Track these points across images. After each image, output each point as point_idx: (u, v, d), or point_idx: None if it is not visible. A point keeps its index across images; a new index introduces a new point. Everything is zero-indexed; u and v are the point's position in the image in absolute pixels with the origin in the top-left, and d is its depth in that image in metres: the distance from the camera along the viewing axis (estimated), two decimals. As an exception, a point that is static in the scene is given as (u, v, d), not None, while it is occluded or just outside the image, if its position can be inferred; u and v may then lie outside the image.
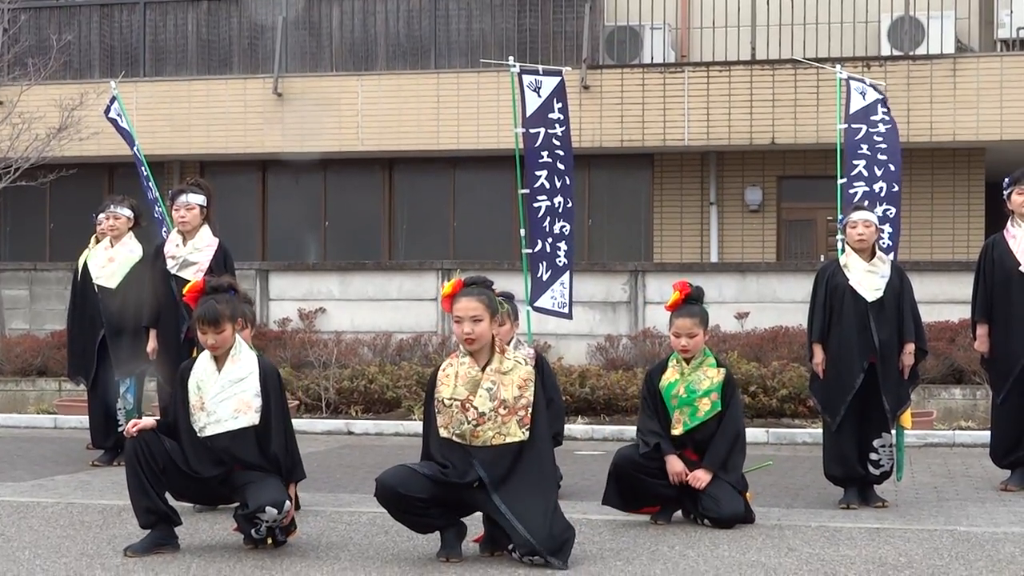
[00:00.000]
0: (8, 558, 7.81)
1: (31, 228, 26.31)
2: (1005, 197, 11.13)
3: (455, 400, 7.79)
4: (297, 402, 16.71)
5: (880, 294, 10.06)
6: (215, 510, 9.22)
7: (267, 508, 7.75)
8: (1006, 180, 11.15)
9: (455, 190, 25.02)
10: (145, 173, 14.64)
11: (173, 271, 11.01)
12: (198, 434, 8.02)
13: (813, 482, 11.10)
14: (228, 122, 24.15)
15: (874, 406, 10.07)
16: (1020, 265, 10.89)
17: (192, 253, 10.98)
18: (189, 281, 10.50)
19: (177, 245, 11.04)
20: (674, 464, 9.10)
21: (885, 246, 12.32)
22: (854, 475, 10.07)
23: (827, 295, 10.19)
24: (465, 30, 24.10)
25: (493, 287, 8.09)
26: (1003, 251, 11.03)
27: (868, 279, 10.08)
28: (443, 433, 7.83)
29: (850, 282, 10.09)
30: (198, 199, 10.96)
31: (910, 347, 10.13)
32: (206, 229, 11.07)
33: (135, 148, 14.64)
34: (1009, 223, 11.09)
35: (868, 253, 10.16)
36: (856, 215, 10.21)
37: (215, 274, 10.44)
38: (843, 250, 10.46)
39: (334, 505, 9.89)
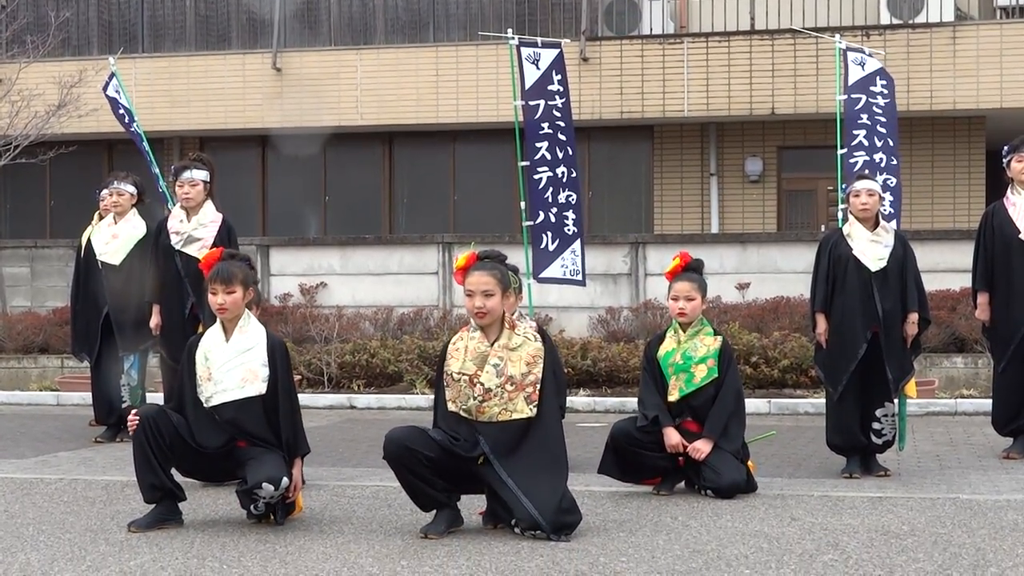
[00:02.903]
0: (12, 534, 7.83)
1: (31, 205, 26.32)
2: (1005, 165, 11.12)
3: (463, 375, 7.79)
4: (299, 377, 16.72)
5: (883, 264, 10.03)
6: (221, 486, 9.23)
7: (264, 484, 7.76)
8: (1005, 148, 11.14)
9: (455, 164, 25.01)
10: (146, 148, 14.60)
11: (177, 247, 10.99)
12: (204, 405, 8.04)
13: (815, 452, 11.12)
14: (227, 98, 24.13)
15: (877, 376, 10.06)
16: (1020, 233, 10.88)
17: (196, 229, 10.95)
18: (193, 257, 10.56)
19: (181, 221, 11.01)
20: (671, 436, 9.11)
21: (887, 214, 12.31)
22: (856, 444, 10.07)
23: (830, 265, 10.18)
24: (464, 3, 24.07)
25: (507, 261, 8.07)
26: (1003, 219, 11.02)
27: (871, 249, 10.05)
28: (451, 407, 7.83)
29: (853, 252, 10.06)
30: (201, 175, 10.92)
31: (913, 316, 10.11)
32: (210, 205, 11.04)
33: (134, 125, 14.61)
34: (1009, 191, 11.09)
35: (871, 222, 10.13)
36: (859, 184, 10.18)
37: None
38: (845, 219, 10.44)
39: (337, 479, 9.90)
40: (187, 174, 10.88)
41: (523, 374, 7.77)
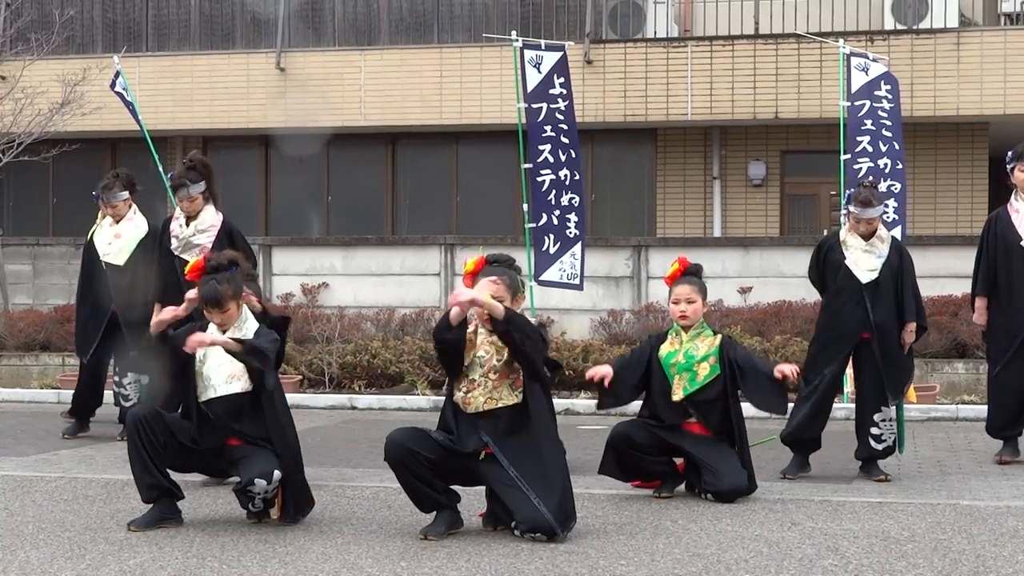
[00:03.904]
0: (12, 532, 7.83)
1: (34, 203, 26.32)
2: (1008, 171, 11.13)
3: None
4: (300, 377, 16.73)
5: (875, 275, 10.05)
6: (221, 484, 9.24)
7: (256, 480, 7.81)
8: (1008, 154, 11.14)
9: (458, 165, 25.00)
10: (150, 147, 14.63)
11: (176, 252, 11.00)
12: (199, 400, 8.10)
13: (816, 456, 11.09)
14: (231, 97, 24.12)
15: (872, 381, 10.09)
16: (1022, 240, 10.89)
17: (195, 235, 10.96)
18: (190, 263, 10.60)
19: (181, 225, 11.03)
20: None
21: (890, 220, 12.33)
22: (804, 440, 10.19)
23: (824, 270, 10.25)
24: (468, 4, 24.06)
25: (515, 265, 8.07)
26: (1006, 225, 11.03)
27: (864, 259, 10.06)
28: (455, 396, 7.88)
29: (846, 261, 10.09)
30: (198, 188, 10.89)
31: (911, 326, 10.15)
32: (209, 209, 11.03)
33: (142, 122, 14.64)
34: (1013, 197, 11.09)
35: (868, 234, 10.14)
36: (861, 212, 10.02)
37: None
38: (843, 224, 10.44)
39: (337, 480, 9.90)
40: (184, 191, 10.88)
41: (507, 363, 7.77)
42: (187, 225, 10.99)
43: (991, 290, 11.11)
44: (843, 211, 10.41)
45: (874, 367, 10.06)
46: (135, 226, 12.31)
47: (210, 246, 10.85)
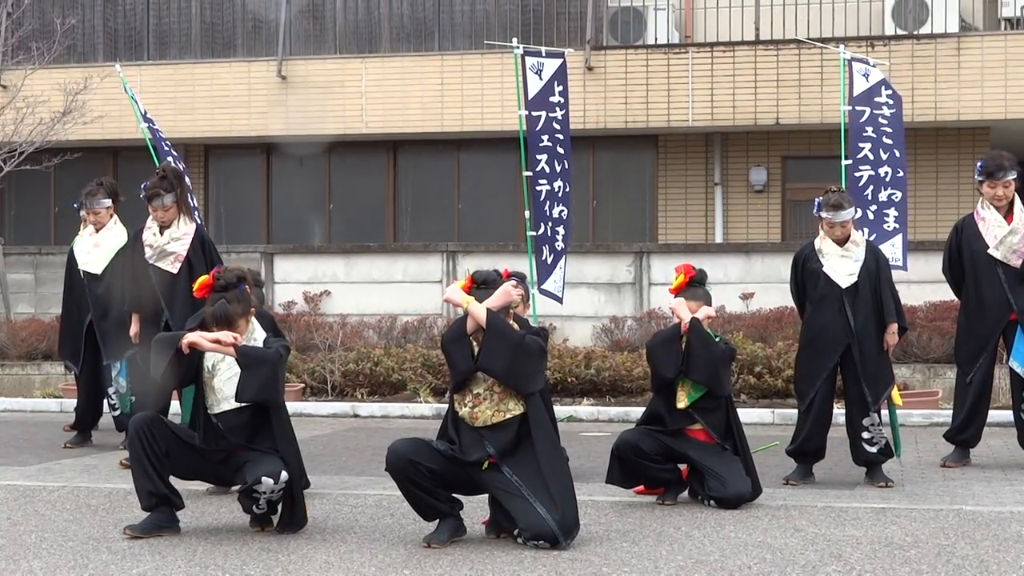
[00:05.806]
0: (15, 542, 7.84)
1: (36, 212, 26.30)
2: (976, 183, 11.13)
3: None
4: (303, 385, 16.73)
5: (854, 279, 10.06)
6: (226, 492, 9.25)
7: (263, 479, 7.82)
8: (979, 165, 11.08)
9: (459, 172, 24.99)
10: (167, 148, 14.67)
11: (151, 261, 11.02)
12: (208, 411, 8.13)
13: (819, 463, 11.10)
14: (232, 105, 24.12)
15: (857, 387, 10.11)
16: (988, 248, 10.92)
17: (169, 243, 10.99)
18: (166, 271, 10.72)
19: (154, 234, 11.06)
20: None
21: (891, 229, 12.31)
22: (808, 451, 10.22)
23: (803, 281, 10.27)
24: (469, 11, 24.05)
25: (502, 277, 8.05)
26: (972, 233, 11.10)
27: (842, 264, 10.08)
28: (460, 411, 7.87)
29: (824, 268, 10.10)
30: (172, 197, 10.96)
31: (893, 327, 10.17)
32: (182, 217, 11.07)
33: (143, 127, 14.66)
34: (979, 206, 11.13)
35: (843, 239, 10.15)
36: (833, 216, 10.08)
37: (193, 264, 10.58)
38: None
39: (340, 488, 9.91)
40: (158, 201, 10.93)
41: None
42: (161, 234, 11.02)
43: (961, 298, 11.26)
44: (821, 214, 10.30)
45: (856, 373, 10.09)
46: (114, 236, 12.35)
47: (184, 254, 10.97)
